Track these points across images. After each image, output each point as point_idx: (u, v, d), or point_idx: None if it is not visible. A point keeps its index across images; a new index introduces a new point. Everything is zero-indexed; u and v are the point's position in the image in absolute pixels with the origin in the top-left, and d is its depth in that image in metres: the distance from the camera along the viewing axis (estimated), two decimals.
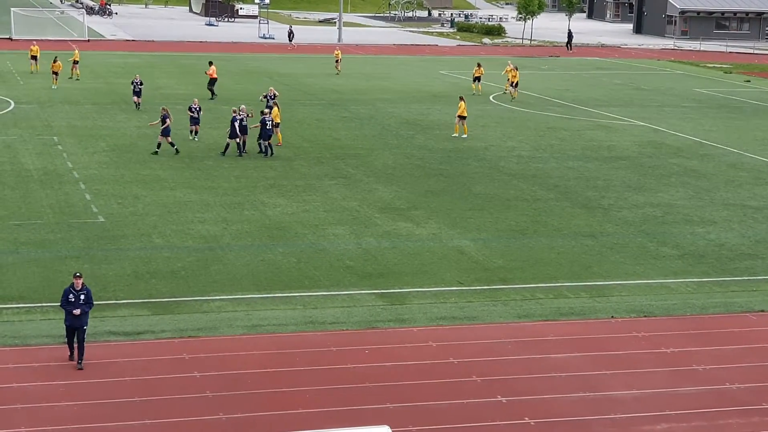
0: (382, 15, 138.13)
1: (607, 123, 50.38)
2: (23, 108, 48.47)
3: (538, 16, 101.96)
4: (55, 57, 57.98)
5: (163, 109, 39.15)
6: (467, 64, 72.04)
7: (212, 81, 53.43)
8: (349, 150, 40.93)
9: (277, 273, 24.77)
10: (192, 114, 40.92)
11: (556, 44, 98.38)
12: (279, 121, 40.56)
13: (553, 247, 27.88)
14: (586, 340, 21.30)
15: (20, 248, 25.98)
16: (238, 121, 38.42)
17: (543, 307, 23.21)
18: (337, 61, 68.15)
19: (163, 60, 73.84)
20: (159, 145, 38.38)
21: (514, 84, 57.43)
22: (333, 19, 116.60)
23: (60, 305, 19.15)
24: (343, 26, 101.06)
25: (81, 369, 18.75)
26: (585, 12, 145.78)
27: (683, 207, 33.11)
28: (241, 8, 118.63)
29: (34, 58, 61.80)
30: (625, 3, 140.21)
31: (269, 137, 38.85)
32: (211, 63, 54.47)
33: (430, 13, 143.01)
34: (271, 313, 22.15)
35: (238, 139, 38.51)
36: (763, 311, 23.51)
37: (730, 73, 79.30)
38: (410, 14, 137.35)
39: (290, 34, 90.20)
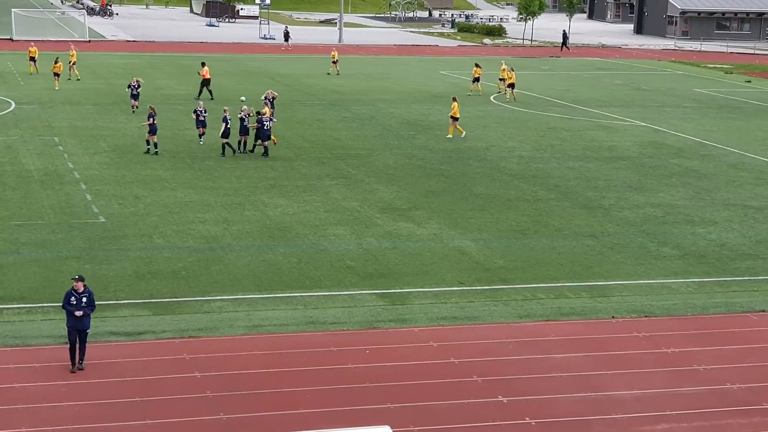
0: (382, 15, 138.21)
1: (607, 123, 50.38)
2: (24, 108, 48.50)
3: (538, 17, 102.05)
4: (57, 58, 57.95)
5: (150, 107, 39.17)
6: (468, 64, 71.98)
7: (206, 81, 52.95)
8: (349, 150, 40.95)
9: (277, 273, 24.78)
10: (199, 117, 40.68)
11: (556, 45, 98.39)
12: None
13: (554, 248, 27.88)
14: (587, 340, 21.30)
15: (21, 248, 25.99)
16: (240, 121, 38.46)
17: (544, 307, 23.20)
18: (334, 62, 68.06)
19: (164, 60, 73.85)
20: (156, 145, 38.39)
21: (510, 85, 57.06)
22: (334, 19, 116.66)
23: (62, 306, 19.12)
24: (344, 27, 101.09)
25: (82, 369, 18.75)
26: (586, 12, 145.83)
27: (684, 207, 33.11)
28: (241, 9, 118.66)
29: (32, 59, 61.74)
30: (625, 3, 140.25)
31: (267, 138, 38.84)
32: (203, 64, 53.86)
33: (430, 14, 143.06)
34: (271, 313, 22.15)
35: (225, 139, 38.34)
36: (764, 311, 23.50)
37: (731, 73, 79.31)
38: (411, 15, 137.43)
39: (286, 35, 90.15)
